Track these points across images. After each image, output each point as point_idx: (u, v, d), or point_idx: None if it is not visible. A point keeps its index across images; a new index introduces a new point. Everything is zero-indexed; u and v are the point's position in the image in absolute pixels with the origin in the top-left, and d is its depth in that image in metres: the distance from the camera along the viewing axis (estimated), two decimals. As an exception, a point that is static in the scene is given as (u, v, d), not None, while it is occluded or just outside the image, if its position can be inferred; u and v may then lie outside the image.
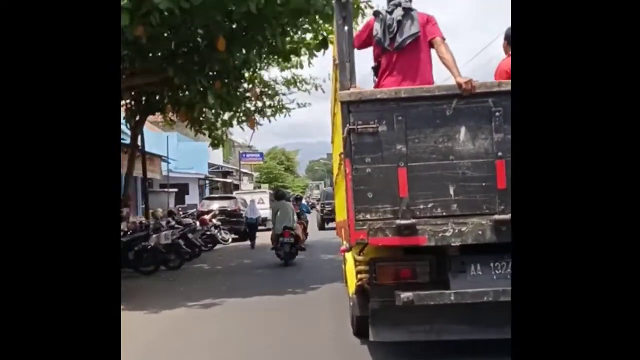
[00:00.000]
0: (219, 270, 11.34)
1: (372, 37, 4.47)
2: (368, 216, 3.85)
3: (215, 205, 19.23)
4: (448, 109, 3.85)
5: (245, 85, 13.02)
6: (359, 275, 4.30)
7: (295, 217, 12.19)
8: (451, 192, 3.82)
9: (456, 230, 3.79)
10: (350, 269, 4.80)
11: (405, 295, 3.83)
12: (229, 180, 36.77)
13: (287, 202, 12.54)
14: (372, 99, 3.90)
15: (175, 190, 22.88)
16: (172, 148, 24.60)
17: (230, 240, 17.40)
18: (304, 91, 14.68)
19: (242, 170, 41.42)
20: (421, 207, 3.83)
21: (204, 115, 12.83)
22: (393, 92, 3.91)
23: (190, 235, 12.45)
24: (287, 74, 14.31)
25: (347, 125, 3.85)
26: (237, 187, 35.59)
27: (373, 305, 4.11)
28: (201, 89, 10.05)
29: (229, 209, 19.14)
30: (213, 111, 12.04)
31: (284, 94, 15.31)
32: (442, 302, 3.85)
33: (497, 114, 3.79)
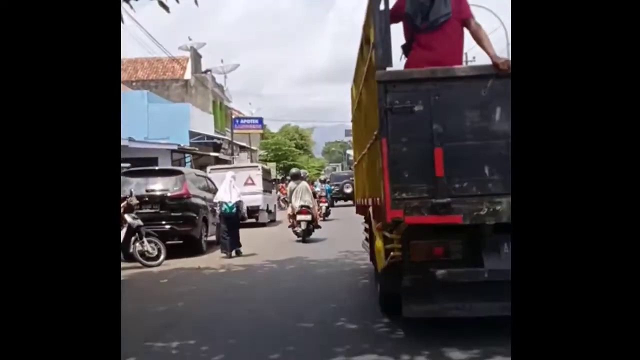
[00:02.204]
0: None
1: (401, 14, 4.47)
2: (404, 195, 3.90)
3: (137, 188, 10.32)
4: (483, 89, 3.88)
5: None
6: (391, 253, 4.37)
7: (312, 196, 12.75)
8: (486, 171, 3.87)
9: (491, 210, 3.84)
10: (379, 246, 4.87)
11: (441, 272, 3.91)
12: (216, 154, 26.40)
13: (303, 182, 12.90)
14: (409, 78, 3.93)
15: (128, 165, 13.06)
16: (140, 111, 20.82)
17: (162, 257, 9.45)
18: None
19: (237, 142, 34.11)
20: (457, 186, 3.88)
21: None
22: (429, 72, 3.94)
23: None
24: None
25: (384, 105, 3.89)
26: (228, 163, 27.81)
27: (406, 282, 4.19)
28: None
29: (162, 194, 10.63)
30: None
31: None
32: (476, 280, 3.92)
33: None
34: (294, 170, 13.88)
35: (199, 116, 26.91)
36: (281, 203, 25.08)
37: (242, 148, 36.32)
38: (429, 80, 3.90)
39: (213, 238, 11.94)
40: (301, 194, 12.36)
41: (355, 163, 7.69)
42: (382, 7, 3.98)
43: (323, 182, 26.27)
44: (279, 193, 26.68)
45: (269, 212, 18.87)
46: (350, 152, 25.24)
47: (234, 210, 10.30)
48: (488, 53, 4.05)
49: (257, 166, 19.78)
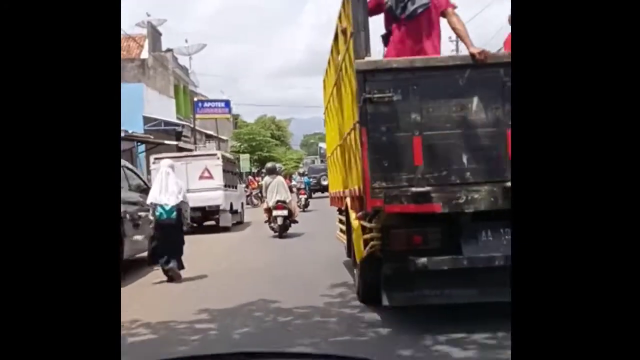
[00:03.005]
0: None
1: (381, 5, 4.49)
2: (384, 184, 3.93)
3: None
4: (461, 79, 3.93)
5: None
6: (370, 243, 4.39)
7: (288, 191, 12.32)
8: (464, 160, 3.92)
9: (469, 198, 3.90)
10: (358, 236, 4.89)
11: (420, 260, 3.95)
12: (176, 143, 22.60)
13: (278, 176, 12.44)
14: (388, 68, 3.95)
15: None
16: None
17: None
18: None
19: (203, 130, 31.23)
20: (435, 175, 3.93)
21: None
22: (408, 62, 3.97)
23: None
24: None
25: (363, 94, 3.90)
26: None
27: (386, 271, 4.22)
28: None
29: None
30: None
31: None
32: (455, 267, 3.98)
33: (508, 84, 3.88)
34: (269, 164, 13.35)
35: (157, 100, 24.14)
36: (253, 199, 23.89)
37: (210, 137, 32.69)
38: (407, 69, 3.93)
39: (144, 255, 7.83)
40: (277, 189, 11.92)
41: (329, 155, 7.70)
42: (360, -4, 3.98)
43: (302, 175, 27.91)
44: (249, 188, 25.22)
45: (233, 212, 14.77)
46: (323, 145, 25.16)
47: (174, 215, 7.14)
48: (465, 43, 4.10)
49: (215, 154, 14.59)
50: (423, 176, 3.90)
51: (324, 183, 26.36)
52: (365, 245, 4.60)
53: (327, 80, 6.86)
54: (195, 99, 31.09)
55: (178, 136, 25.06)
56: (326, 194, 26.20)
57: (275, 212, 11.68)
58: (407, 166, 3.92)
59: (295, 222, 12.26)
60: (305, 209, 19.47)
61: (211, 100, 32.32)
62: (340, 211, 7.32)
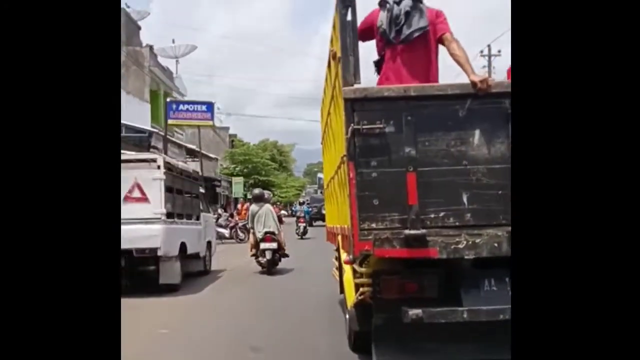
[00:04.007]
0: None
1: (374, 28, 4.13)
2: (374, 225, 3.51)
3: None
4: (461, 109, 3.53)
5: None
6: (360, 289, 3.96)
7: (277, 221, 11.07)
8: (464, 200, 3.49)
9: (470, 242, 3.46)
10: (348, 280, 4.45)
11: (414, 312, 3.49)
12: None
13: (266, 205, 11.26)
14: (379, 96, 3.56)
15: None
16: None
17: None
18: None
19: (182, 143, 26.81)
20: (432, 216, 3.50)
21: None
22: (402, 90, 3.57)
23: None
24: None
25: (351, 125, 3.50)
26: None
27: (377, 322, 3.77)
28: None
29: None
30: None
31: None
32: (454, 320, 3.52)
33: None
34: (256, 191, 12.03)
35: (125, 102, 19.09)
36: (239, 232, 20.00)
37: (192, 153, 27.21)
38: (401, 98, 3.53)
39: None
40: (264, 219, 10.66)
41: (325, 187, 7.30)
42: (349, 17, 3.62)
43: (302, 204, 28.84)
44: (235, 218, 21.34)
45: (189, 257, 9.43)
46: (322, 175, 25.54)
47: None
48: (465, 70, 3.71)
49: (153, 160, 8.44)
50: (418, 217, 3.47)
51: (324, 212, 28.13)
52: (356, 291, 4.17)
53: (323, 109, 6.50)
54: (168, 99, 24.94)
55: (146, 145, 19.80)
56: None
57: (263, 245, 10.53)
58: (400, 205, 3.50)
59: (286, 255, 11.11)
60: (303, 237, 20.67)
61: (188, 102, 25.61)
62: (336, 248, 6.89)
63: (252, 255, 10.95)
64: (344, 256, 4.66)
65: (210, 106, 25.77)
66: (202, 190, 11.42)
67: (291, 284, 9.53)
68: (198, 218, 10.26)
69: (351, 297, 4.32)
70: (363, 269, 3.94)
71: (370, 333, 3.87)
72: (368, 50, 4.34)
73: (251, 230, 11.05)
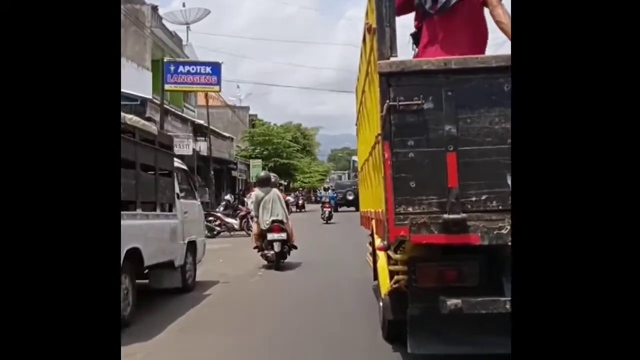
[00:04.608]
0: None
1: (411, 1, 3.86)
2: (410, 209, 3.28)
3: None
4: (507, 83, 3.24)
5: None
6: (395, 277, 3.75)
7: (285, 208, 9.74)
8: (509, 182, 3.22)
9: None
10: (382, 267, 4.25)
11: (453, 301, 3.26)
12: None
13: (274, 189, 9.77)
14: (417, 70, 3.31)
15: None
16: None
17: None
18: None
19: (188, 117, 22.88)
20: (473, 199, 3.25)
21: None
22: (442, 63, 3.31)
23: None
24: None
25: (387, 101, 3.27)
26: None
27: (412, 312, 3.56)
28: None
29: None
30: None
31: None
32: (495, 311, 3.28)
33: None
34: (262, 173, 10.65)
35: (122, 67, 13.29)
36: (250, 223, 14.23)
37: (199, 130, 23.11)
38: (441, 72, 3.27)
39: None
40: (272, 206, 9.29)
41: (360, 170, 7.07)
42: (385, -14, 3.36)
43: (327, 189, 29.79)
44: (247, 205, 16.01)
45: (161, 268, 6.68)
46: (356, 158, 25.64)
47: None
48: (510, 37, 3.41)
49: None
50: (458, 200, 3.23)
51: (349, 198, 30.32)
52: (390, 278, 3.97)
53: (357, 88, 6.26)
54: (165, 59, 20.26)
55: (139, 114, 15.11)
56: (352, 208, 28.79)
57: (270, 236, 9.15)
58: (438, 188, 3.25)
59: (295, 247, 9.67)
60: (329, 221, 21.18)
61: (190, 63, 21.14)
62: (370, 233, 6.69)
63: (256, 247, 9.65)
64: (377, 242, 4.45)
65: (216, 68, 20.51)
66: (180, 165, 7.72)
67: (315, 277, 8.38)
68: (171, 208, 6.89)
69: (385, 284, 4.12)
70: (398, 256, 3.73)
71: (405, 322, 3.68)
72: (407, 24, 4.08)
73: (254, 219, 9.85)
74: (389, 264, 4.07)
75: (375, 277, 6.01)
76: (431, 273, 3.50)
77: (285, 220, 9.30)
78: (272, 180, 10.26)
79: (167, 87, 19.53)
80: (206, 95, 23.80)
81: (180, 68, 20.18)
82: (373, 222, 4.80)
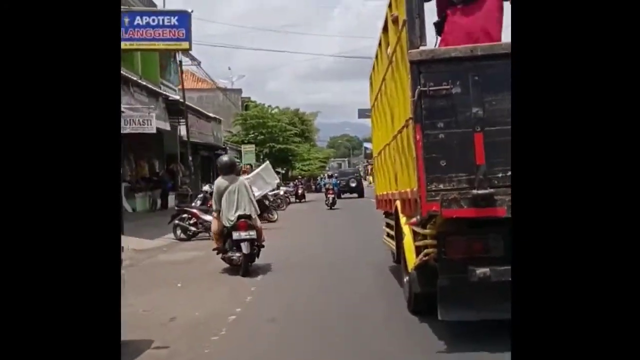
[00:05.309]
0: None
1: None
2: (441, 186, 3.56)
3: None
4: None
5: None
6: (425, 250, 4.02)
7: (254, 200, 7.88)
8: None
9: None
10: (409, 244, 4.52)
11: (481, 270, 3.56)
12: None
13: (240, 179, 7.92)
14: (446, 57, 3.59)
15: None
16: None
17: None
18: None
19: (155, 89, 18.15)
20: (499, 175, 3.54)
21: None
22: (469, 50, 3.59)
23: None
24: None
25: (418, 87, 3.54)
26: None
27: (442, 282, 3.84)
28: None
29: None
30: None
31: None
32: None
33: None
34: (225, 157, 8.33)
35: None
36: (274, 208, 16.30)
37: (176, 108, 18.91)
38: (468, 59, 3.55)
39: None
40: (238, 198, 7.44)
41: (376, 155, 7.33)
42: (414, -21, 3.63)
43: (330, 177, 28.78)
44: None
45: None
46: (368, 145, 26.40)
47: None
48: None
49: None
50: (485, 177, 3.51)
51: (352, 185, 31.40)
52: (417, 253, 4.24)
53: (374, 76, 6.51)
54: (123, 9, 15.13)
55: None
56: (354, 195, 30.14)
57: (236, 235, 7.29)
58: (467, 166, 3.54)
59: (262, 246, 7.79)
60: (332, 207, 21.62)
61: (149, 13, 15.76)
62: (387, 214, 6.95)
63: (216, 249, 7.76)
64: (403, 219, 4.72)
65: (184, 17, 15.02)
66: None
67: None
68: None
69: (412, 260, 4.39)
70: (427, 231, 4.00)
71: (431, 295, 3.96)
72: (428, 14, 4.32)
73: (214, 214, 7.78)
74: (415, 240, 4.34)
75: (395, 258, 6.33)
76: (460, 245, 3.78)
77: (253, 216, 7.54)
78: (236, 167, 8.51)
79: (125, 44, 14.17)
80: (174, 55, 19.10)
81: (138, 20, 15.13)
82: (398, 202, 5.07)
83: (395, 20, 4.24)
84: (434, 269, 4.01)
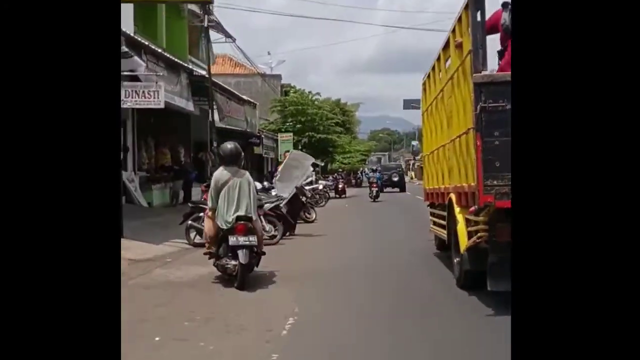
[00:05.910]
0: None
1: (498, 26, 5.06)
2: (495, 182, 4.49)
3: None
4: None
5: None
6: (478, 234, 4.96)
7: (255, 196, 6.60)
8: None
9: None
10: (462, 229, 5.45)
11: None
12: None
13: (243, 172, 6.53)
14: (502, 81, 4.51)
15: None
16: None
17: None
18: None
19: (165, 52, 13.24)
20: None
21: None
22: (521, 76, 4.51)
23: None
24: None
25: (480, 103, 4.48)
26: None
27: (492, 260, 4.77)
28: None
29: None
30: None
31: None
32: None
33: None
34: (229, 145, 6.61)
35: None
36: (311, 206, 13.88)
37: (200, 89, 15.00)
38: None
39: None
40: (238, 194, 6.21)
41: (427, 154, 8.26)
42: (479, 18, 4.57)
43: (374, 171, 29.81)
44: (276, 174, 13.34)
45: None
46: (415, 142, 27.16)
47: None
48: None
49: None
50: None
51: (395, 179, 32.93)
52: (469, 237, 5.16)
53: (430, 84, 7.43)
54: None
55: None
56: (396, 189, 31.66)
57: (233, 240, 6.00)
58: None
59: (263, 253, 6.47)
60: (376, 200, 22.52)
61: None
62: (432, 205, 7.97)
63: (208, 254, 6.55)
64: (457, 209, 5.67)
65: None
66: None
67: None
68: None
69: (464, 242, 5.32)
70: (480, 218, 4.93)
71: (478, 272, 4.88)
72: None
73: (208, 213, 6.56)
74: (468, 226, 5.27)
75: (438, 244, 7.37)
76: (507, 231, 4.68)
77: (254, 217, 6.32)
78: (240, 158, 6.60)
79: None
80: (206, 30, 15.79)
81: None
82: (452, 195, 6.02)
83: (458, 46, 5.19)
84: (482, 251, 4.94)
